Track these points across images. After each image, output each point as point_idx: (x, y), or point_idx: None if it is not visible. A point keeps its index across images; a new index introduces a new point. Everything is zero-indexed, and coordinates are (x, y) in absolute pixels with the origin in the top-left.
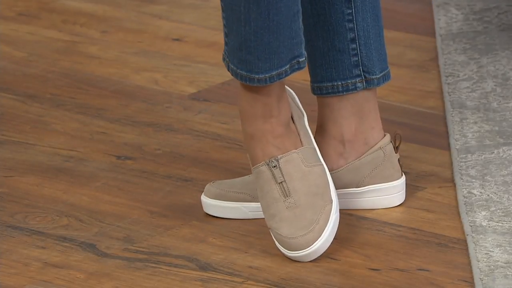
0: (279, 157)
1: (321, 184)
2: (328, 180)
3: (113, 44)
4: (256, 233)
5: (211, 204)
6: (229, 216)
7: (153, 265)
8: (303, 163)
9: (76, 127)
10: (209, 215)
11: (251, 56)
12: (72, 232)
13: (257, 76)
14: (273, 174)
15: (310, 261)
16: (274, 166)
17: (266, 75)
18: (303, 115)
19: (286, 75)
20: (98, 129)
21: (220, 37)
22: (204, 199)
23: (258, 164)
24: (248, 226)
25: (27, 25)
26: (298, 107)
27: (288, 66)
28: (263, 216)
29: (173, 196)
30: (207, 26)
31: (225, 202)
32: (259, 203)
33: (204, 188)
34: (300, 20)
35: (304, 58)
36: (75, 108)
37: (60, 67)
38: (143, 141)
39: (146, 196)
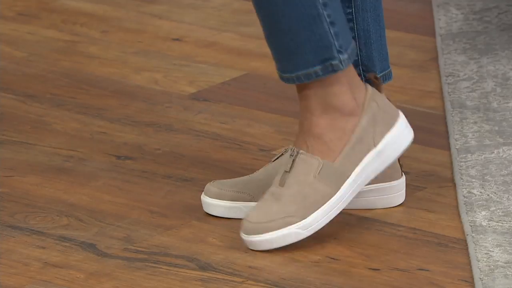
0: (301, 152)
1: (309, 200)
2: (323, 205)
3: (113, 44)
4: None
5: (211, 204)
6: (229, 216)
7: (153, 265)
8: (313, 174)
9: (76, 127)
10: (209, 215)
11: (276, 55)
12: (72, 232)
13: (284, 74)
14: (288, 161)
15: (310, 261)
16: (291, 155)
17: (292, 74)
18: (373, 146)
19: (318, 76)
20: (98, 129)
21: (220, 37)
22: (204, 198)
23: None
24: None
25: (27, 25)
26: (373, 134)
27: (319, 67)
28: None
29: (173, 196)
30: (207, 26)
31: (225, 201)
32: None
33: (204, 188)
34: (326, 24)
35: (337, 62)
36: (75, 108)
37: (60, 67)
38: (143, 141)
39: (146, 196)
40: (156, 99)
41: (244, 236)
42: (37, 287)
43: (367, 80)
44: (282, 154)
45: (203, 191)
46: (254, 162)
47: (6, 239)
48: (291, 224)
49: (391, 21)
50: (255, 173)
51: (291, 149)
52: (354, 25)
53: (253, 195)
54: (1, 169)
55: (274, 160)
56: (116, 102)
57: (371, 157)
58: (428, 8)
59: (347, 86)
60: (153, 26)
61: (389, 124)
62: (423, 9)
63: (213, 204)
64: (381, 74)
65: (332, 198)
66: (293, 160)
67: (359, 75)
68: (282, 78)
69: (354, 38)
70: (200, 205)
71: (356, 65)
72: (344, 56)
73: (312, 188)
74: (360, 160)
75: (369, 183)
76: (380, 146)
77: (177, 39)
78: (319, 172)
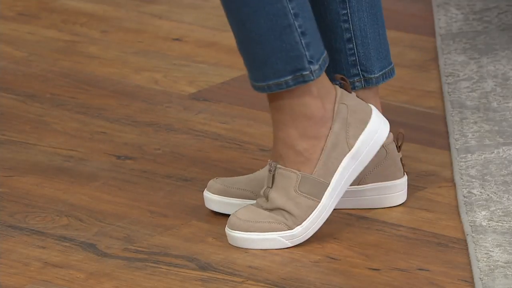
0: (278, 166)
1: (293, 213)
2: (307, 215)
3: (113, 44)
4: None
5: (213, 200)
6: (231, 212)
7: (153, 265)
8: (294, 187)
9: (76, 127)
10: (209, 215)
11: (246, 64)
12: (72, 232)
13: (255, 83)
14: (268, 176)
15: (310, 261)
16: (270, 171)
17: (263, 83)
18: (348, 149)
19: (288, 87)
20: (98, 129)
21: (220, 37)
22: (207, 194)
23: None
24: None
25: (27, 25)
26: (347, 137)
27: (289, 77)
28: None
29: (173, 196)
30: (207, 26)
31: (228, 198)
32: None
33: (204, 188)
34: (297, 34)
35: (308, 72)
36: (75, 108)
37: (60, 67)
38: (143, 141)
39: (146, 196)
40: (156, 99)
41: (228, 231)
42: (37, 287)
43: (336, 81)
44: None
45: (203, 191)
46: (254, 162)
47: (6, 239)
48: (276, 231)
49: (391, 21)
50: (258, 171)
51: (269, 164)
52: (350, 26)
53: (256, 192)
54: (1, 169)
55: None
56: (116, 102)
57: (347, 161)
58: (428, 8)
59: (317, 95)
60: (153, 26)
61: (362, 123)
62: (423, 9)
63: (216, 200)
64: (381, 73)
65: (315, 211)
66: (273, 175)
67: (357, 75)
68: (254, 87)
69: (350, 38)
70: (200, 205)
71: (354, 64)
72: (315, 67)
73: (295, 202)
74: (337, 166)
75: (370, 181)
76: (355, 148)
77: (177, 39)
78: (298, 186)
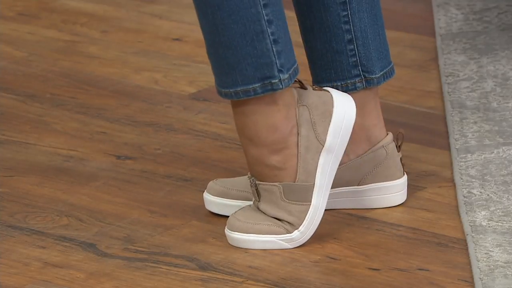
0: (257, 183)
1: (287, 220)
2: (302, 219)
3: (113, 44)
4: None
5: (213, 202)
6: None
7: (153, 265)
8: (281, 198)
9: (76, 127)
10: (209, 215)
11: (215, 69)
12: (72, 232)
13: (223, 90)
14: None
15: (310, 261)
16: (252, 186)
17: (231, 90)
18: (321, 145)
19: (256, 94)
20: (98, 129)
21: None
22: (206, 196)
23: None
24: None
25: (27, 25)
26: (316, 135)
27: (258, 85)
28: None
29: (173, 196)
30: None
31: (228, 200)
32: None
33: (204, 188)
34: (269, 41)
35: (277, 80)
36: (75, 108)
37: (60, 67)
38: (143, 141)
39: (146, 196)
40: (156, 99)
41: (228, 231)
42: (37, 287)
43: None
44: None
45: (203, 191)
46: None
47: (6, 239)
48: (276, 234)
49: (391, 21)
50: None
51: (249, 179)
52: (350, 27)
53: None
54: (1, 169)
55: None
56: (116, 102)
57: (324, 157)
58: (428, 8)
59: (282, 107)
60: (153, 26)
61: (327, 116)
62: (423, 9)
63: (215, 202)
64: (381, 73)
65: (308, 214)
66: (256, 190)
67: (358, 76)
68: (220, 93)
69: (351, 40)
70: (200, 205)
71: (355, 65)
72: (284, 76)
73: (287, 211)
74: (316, 165)
75: (370, 182)
76: (327, 143)
77: (177, 39)
78: (283, 196)
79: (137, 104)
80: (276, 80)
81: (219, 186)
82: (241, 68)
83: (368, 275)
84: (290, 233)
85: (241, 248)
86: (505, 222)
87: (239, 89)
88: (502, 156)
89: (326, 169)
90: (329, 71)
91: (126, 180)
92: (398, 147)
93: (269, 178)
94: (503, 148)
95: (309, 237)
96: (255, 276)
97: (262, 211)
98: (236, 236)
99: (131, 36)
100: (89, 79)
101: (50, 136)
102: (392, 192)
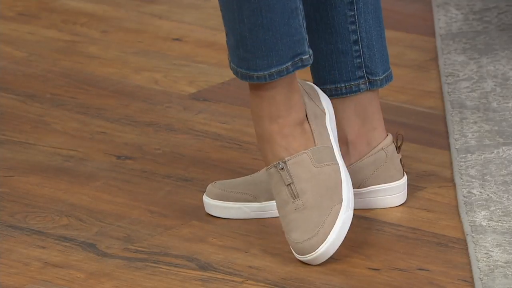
0: (286, 159)
1: (331, 185)
2: (340, 179)
3: (113, 44)
4: (256, 233)
5: (213, 205)
6: (231, 217)
7: (153, 265)
8: (312, 164)
9: (76, 127)
10: (209, 215)
11: (248, 54)
12: (72, 232)
13: (255, 73)
14: (281, 176)
15: None
16: (282, 169)
17: (265, 72)
18: (324, 113)
19: (288, 73)
20: (98, 129)
21: (220, 37)
22: (206, 199)
23: (268, 166)
24: (248, 225)
25: (27, 25)
26: (317, 105)
27: (290, 63)
28: (265, 216)
29: (173, 196)
30: (207, 26)
31: (227, 202)
32: (261, 203)
33: (204, 188)
34: (300, 17)
35: (308, 56)
36: (75, 108)
37: (60, 67)
38: (143, 141)
39: (146, 196)
40: (156, 99)
41: (303, 257)
42: (37, 287)
43: None
44: None
45: (203, 191)
46: (254, 162)
47: (6, 239)
48: (338, 212)
49: (391, 21)
50: (256, 173)
51: (274, 166)
52: (356, 28)
53: (255, 195)
54: (1, 169)
55: None
56: (116, 102)
57: (329, 122)
58: (428, 8)
59: (295, 78)
60: (153, 26)
61: (314, 90)
62: (423, 9)
63: (215, 205)
64: (383, 75)
65: (341, 170)
66: (288, 171)
67: (362, 77)
68: (250, 78)
69: (356, 40)
70: (200, 205)
71: (359, 67)
72: (311, 51)
73: (322, 174)
74: (327, 130)
75: (371, 184)
76: (326, 110)
77: (177, 39)
78: (314, 160)
79: (137, 104)
80: (307, 56)
81: (218, 189)
82: (278, 49)
83: (368, 275)
84: (342, 201)
85: (242, 248)
86: (505, 222)
87: (273, 70)
88: (502, 156)
89: (334, 133)
90: (333, 72)
91: (126, 180)
92: (398, 148)
93: (295, 148)
94: (503, 148)
95: (353, 198)
96: (255, 276)
97: (298, 198)
98: (317, 254)
99: (131, 36)
100: (89, 79)
101: (50, 136)
102: (392, 193)
